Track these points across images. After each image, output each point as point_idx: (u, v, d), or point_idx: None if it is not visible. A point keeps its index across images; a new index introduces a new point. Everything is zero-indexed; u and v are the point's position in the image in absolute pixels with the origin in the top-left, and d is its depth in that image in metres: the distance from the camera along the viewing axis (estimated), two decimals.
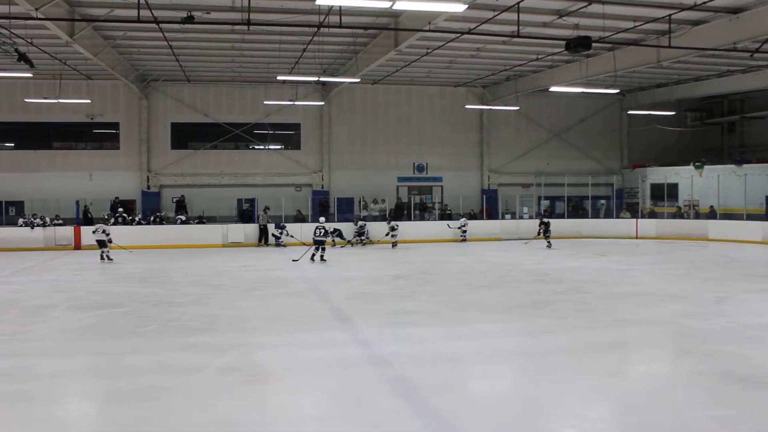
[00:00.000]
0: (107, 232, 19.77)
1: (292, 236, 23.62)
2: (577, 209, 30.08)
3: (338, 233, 23.16)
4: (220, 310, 11.23)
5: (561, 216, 28.79)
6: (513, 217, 28.82)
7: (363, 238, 24.65)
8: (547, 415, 5.98)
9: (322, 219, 20.17)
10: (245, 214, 26.36)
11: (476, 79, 28.25)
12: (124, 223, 23.93)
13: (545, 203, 30.17)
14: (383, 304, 11.73)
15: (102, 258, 19.41)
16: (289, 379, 7.07)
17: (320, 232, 18.78)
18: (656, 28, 18.61)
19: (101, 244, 19.51)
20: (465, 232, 25.69)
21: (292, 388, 6.72)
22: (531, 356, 7.99)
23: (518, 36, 16.57)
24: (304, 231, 23.47)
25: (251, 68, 25.63)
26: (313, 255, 18.81)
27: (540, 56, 22.43)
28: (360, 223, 25.00)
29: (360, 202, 28.28)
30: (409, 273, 16.29)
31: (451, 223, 26.10)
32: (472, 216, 28.25)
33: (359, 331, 9.43)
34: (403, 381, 6.90)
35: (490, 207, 29.34)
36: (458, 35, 18.16)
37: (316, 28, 16.75)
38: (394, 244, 23.54)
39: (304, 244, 21.53)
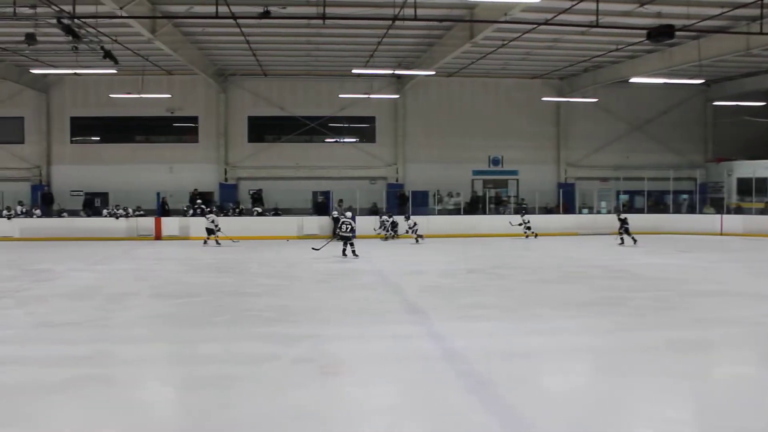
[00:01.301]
0: (216, 223, 21.83)
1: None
2: (657, 204, 29.17)
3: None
4: (293, 301, 11.37)
5: (641, 211, 28.00)
6: (590, 211, 28.19)
7: (390, 233, 24.57)
8: (623, 415, 5.78)
9: (348, 214, 19.33)
10: (320, 207, 26.64)
11: (553, 71, 27.72)
12: (203, 214, 24.56)
13: (624, 198, 29.37)
14: (456, 298, 11.62)
15: (205, 242, 21.77)
16: (360, 371, 7.07)
17: (347, 228, 18.32)
18: (745, 14, 17.81)
19: (209, 231, 21.66)
20: (529, 228, 24.78)
21: (363, 381, 6.73)
22: (607, 354, 7.76)
23: (597, 26, 16.16)
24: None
25: (326, 62, 25.85)
26: (344, 251, 18.25)
27: (620, 46, 21.78)
28: (391, 219, 24.91)
29: (435, 195, 28.19)
30: (482, 267, 16.13)
31: (512, 219, 25.07)
32: (548, 210, 27.77)
33: (431, 324, 9.36)
34: (475, 376, 6.80)
35: (566, 201, 28.79)
36: (535, 26, 17.85)
37: (390, 21, 16.74)
38: (417, 239, 23.18)
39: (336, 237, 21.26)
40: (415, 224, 23.43)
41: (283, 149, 29.04)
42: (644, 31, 16.31)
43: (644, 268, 15.96)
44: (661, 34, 15.46)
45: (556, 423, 5.50)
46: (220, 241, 21.70)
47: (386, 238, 24.55)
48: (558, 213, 28.08)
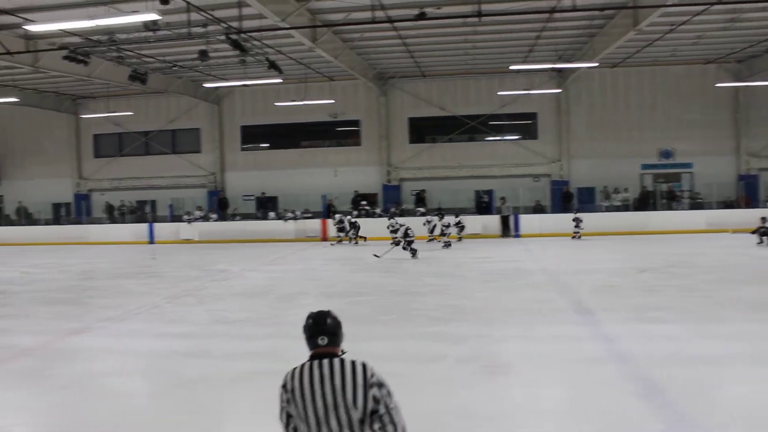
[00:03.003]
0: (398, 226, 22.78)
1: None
2: None
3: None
4: (459, 300, 11.38)
5: None
6: None
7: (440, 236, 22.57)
8: None
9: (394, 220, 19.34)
10: (483, 206, 26.50)
11: (729, 54, 25.76)
12: (367, 215, 25.21)
13: None
14: (627, 299, 11.11)
15: (404, 248, 21.40)
16: (526, 372, 6.95)
17: (412, 232, 18.48)
18: None
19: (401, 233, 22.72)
20: (580, 228, 22.92)
21: (529, 382, 6.61)
22: None
23: None
24: (544, 223, 23.07)
25: (484, 59, 25.66)
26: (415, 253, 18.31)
27: None
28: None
29: (601, 191, 27.20)
30: (656, 266, 15.29)
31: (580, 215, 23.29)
32: (727, 205, 25.90)
33: (601, 325, 9.02)
34: (647, 381, 6.45)
35: (748, 194, 26.69)
36: (707, 6, 16.70)
37: (548, 14, 16.33)
38: (447, 244, 21.49)
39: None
40: (449, 225, 22.11)
41: (444, 149, 29.19)
42: None
43: None
44: None
45: None
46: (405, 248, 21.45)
47: (429, 240, 23.37)
48: (739, 207, 26.09)
